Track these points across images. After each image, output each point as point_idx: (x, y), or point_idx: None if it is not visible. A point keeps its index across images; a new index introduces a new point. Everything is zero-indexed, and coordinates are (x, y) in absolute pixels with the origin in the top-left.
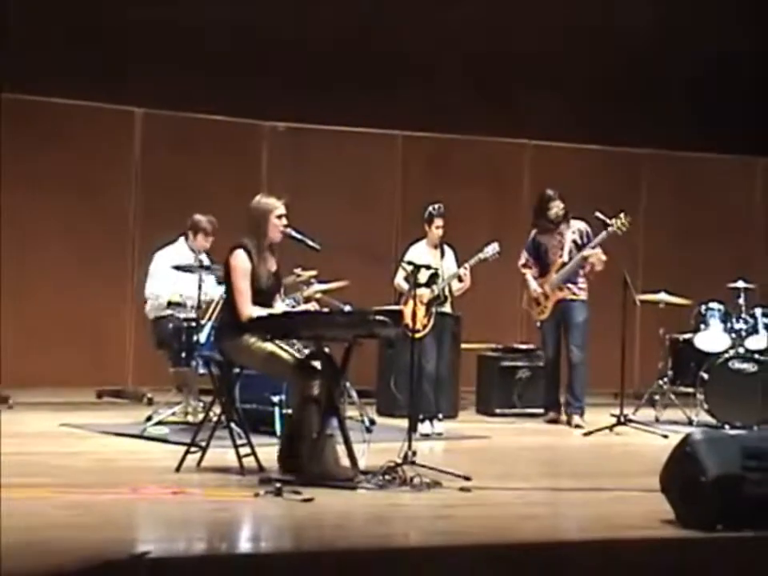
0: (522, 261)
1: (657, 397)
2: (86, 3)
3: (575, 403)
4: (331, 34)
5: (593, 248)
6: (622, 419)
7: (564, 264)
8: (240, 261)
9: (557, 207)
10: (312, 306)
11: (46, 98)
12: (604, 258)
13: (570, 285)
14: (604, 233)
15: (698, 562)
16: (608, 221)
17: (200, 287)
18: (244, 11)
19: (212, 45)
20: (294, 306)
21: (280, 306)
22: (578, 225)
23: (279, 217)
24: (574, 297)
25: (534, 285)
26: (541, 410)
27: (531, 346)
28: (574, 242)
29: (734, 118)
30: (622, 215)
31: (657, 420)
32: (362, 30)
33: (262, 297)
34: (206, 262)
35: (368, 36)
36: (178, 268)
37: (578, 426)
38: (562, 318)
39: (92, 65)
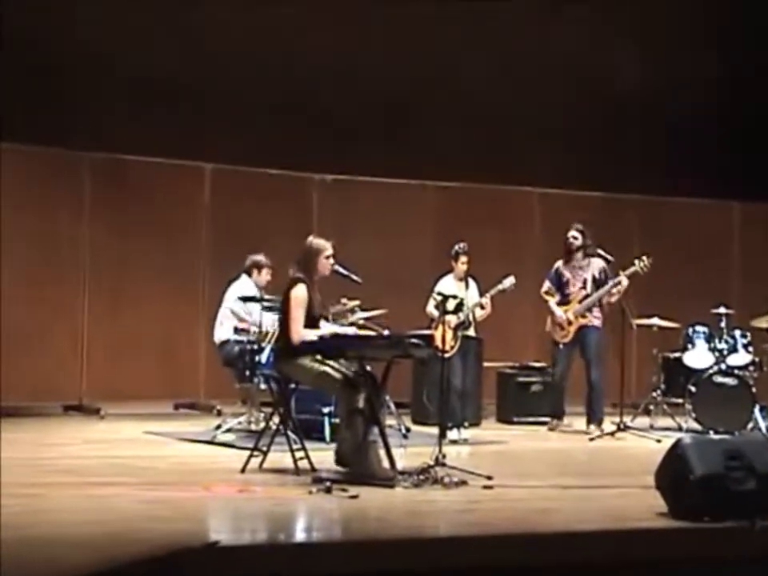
0: (545, 288)
1: (651, 407)
2: (164, 72)
3: (595, 415)
4: (370, 97)
5: (628, 278)
6: (622, 426)
7: (587, 296)
8: (301, 292)
9: (571, 236)
10: (352, 330)
11: (131, 156)
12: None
13: (587, 313)
14: (633, 267)
15: (687, 549)
16: (609, 257)
17: (261, 316)
18: (296, 82)
19: (267, 109)
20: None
21: (327, 327)
22: (598, 263)
23: (328, 257)
24: (590, 323)
25: (559, 312)
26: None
27: (543, 364)
28: (594, 276)
29: (713, 165)
30: (644, 257)
31: (651, 427)
32: (390, 96)
33: (313, 321)
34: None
35: (405, 100)
36: (243, 299)
37: (589, 434)
38: (580, 341)
39: (168, 126)
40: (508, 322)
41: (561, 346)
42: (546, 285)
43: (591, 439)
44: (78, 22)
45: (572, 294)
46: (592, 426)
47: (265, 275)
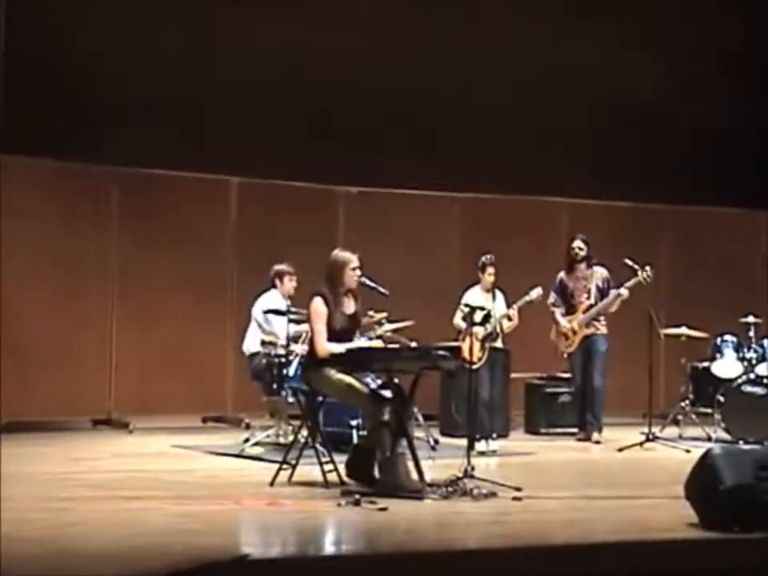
0: (551, 300)
1: (680, 417)
2: (188, 87)
3: (595, 422)
4: (395, 109)
5: (629, 289)
6: (650, 437)
7: (591, 306)
8: (317, 306)
9: (577, 246)
10: (379, 343)
11: (158, 171)
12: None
13: (594, 322)
14: (635, 279)
15: (717, 559)
16: (636, 267)
17: (288, 328)
18: (321, 95)
19: (293, 122)
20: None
21: (357, 342)
22: (601, 272)
23: (354, 269)
24: (597, 332)
25: (563, 321)
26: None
27: (570, 375)
28: (597, 286)
29: (742, 175)
30: (647, 268)
31: (680, 437)
32: (416, 107)
33: (338, 336)
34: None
35: (430, 111)
36: (269, 312)
37: (597, 442)
38: (587, 349)
39: (194, 140)
40: (535, 333)
41: (565, 356)
42: (552, 296)
43: (620, 450)
44: (103, 38)
45: (576, 305)
46: (595, 434)
47: (288, 283)
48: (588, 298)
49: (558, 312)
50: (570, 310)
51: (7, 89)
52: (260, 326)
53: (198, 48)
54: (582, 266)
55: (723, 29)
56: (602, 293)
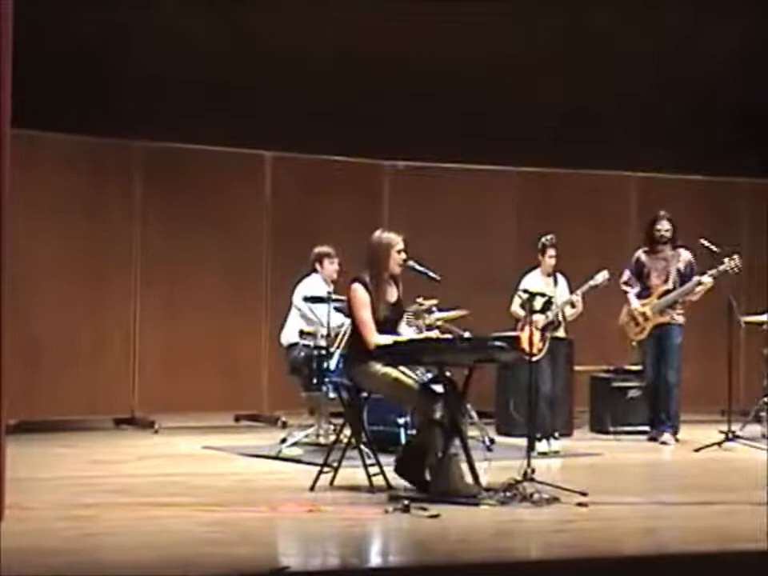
0: (625, 278)
1: (763, 413)
2: (214, 59)
3: (668, 422)
4: (447, 78)
5: (713, 278)
6: (730, 435)
7: (668, 291)
8: (358, 293)
9: (663, 228)
10: (434, 334)
11: (184, 145)
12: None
13: (669, 310)
14: (722, 267)
15: None
16: (714, 248)
17: (329, 317)
18: (367, 54)
19: (334, 89)
20: (418, 334)
21: (406, 333)
22: (685, 255)
23: (399, 251)
24: (673, 321)
25: (636, 303)
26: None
27: (641, 368)
28: (678, 269)
29: None
30: (736, 257)
31: (763, 436)
32: (468, 75)
33: (381, 326)
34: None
35: (484, 77)
36: (308, 299)
37: (664, 443)
38: (659, 341)
39: (223, 112)
40: (601, 321)
41: (634, 344)
42: (626, 275)
43: (696, 450)
44: (129, 9)
45: (652, 288)
46: (667, 435)
47: (328, 266)
48: (666, 282)
49: (632, 292)
50: (645, 294)
51: (28, 62)
52: (303, 315)
53: (228, 18)
54: (666, 247)
55: None
56: (683, 278)
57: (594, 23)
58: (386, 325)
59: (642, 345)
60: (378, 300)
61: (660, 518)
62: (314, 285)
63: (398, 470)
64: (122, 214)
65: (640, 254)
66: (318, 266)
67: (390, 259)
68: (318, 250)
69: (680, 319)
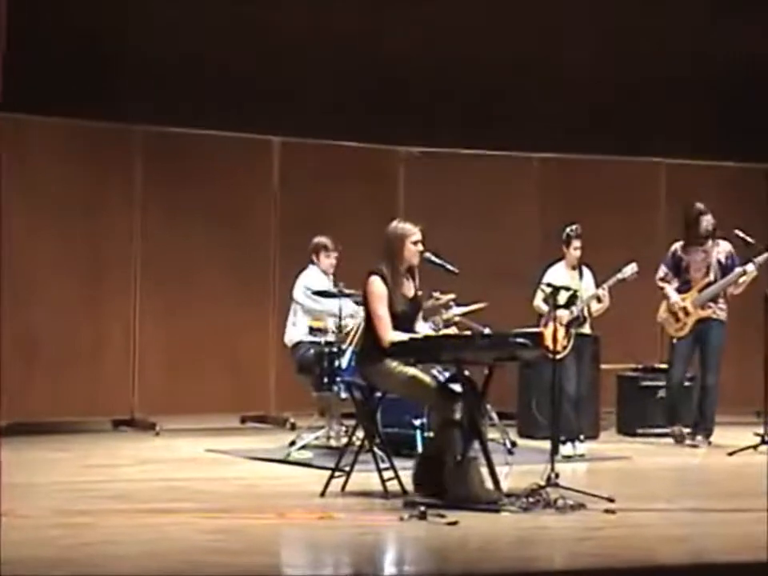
0: (661, 274)
1: None
2: (216, 38)
3: (703, 424)
4: (461, 61)
5: (758, 267)
6: (766, 438)
7: (710, 283)
8: (376, 287)
9: (707, 222)
10: (452, 330)
11: (188, 129)
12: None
13: (711, 304)
14: (765, 255)
15: None
16: (749, 239)
17: (341, 313)
18: (373, 40)
19: (345, 73)
20: (435, 330)
21: (422, 329)
22: (724, 246)
23: (415, 243)
24: (715, 317)
25: (675, 297)
26: (687, 429)
27: (668, 363)
28: (719, 261)
29: None
30: None
31: None
32: (489, 57)
33: (398, 321)
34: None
35: (505, 61)
36: (320, 294)
37: (693, 447)
38: (699, 337)
39: (227, 94)
40: (629, 317)
41: (675, 342)
42: (662, 270)
43: (730, 454)
44: None
45: (693, 282)
46: (699, 438)
47: (324, 259)
48: (707, 274)
49: (670, 287)
50: (684, 288)
51: (22, 43)
52: (307, 309)
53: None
54: (706, 239)
55: None
56: (724, 270)
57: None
58: (404, 320)
59: (680, 341)
60: (395, 294)
61: (692, 525)
62: (314, 278)
63: (415, 482)
64: (122, 204)
65: (677, 247)
66: (314, 258)
67: (407, 251)
68: (316, 240)
69: (722, 314)
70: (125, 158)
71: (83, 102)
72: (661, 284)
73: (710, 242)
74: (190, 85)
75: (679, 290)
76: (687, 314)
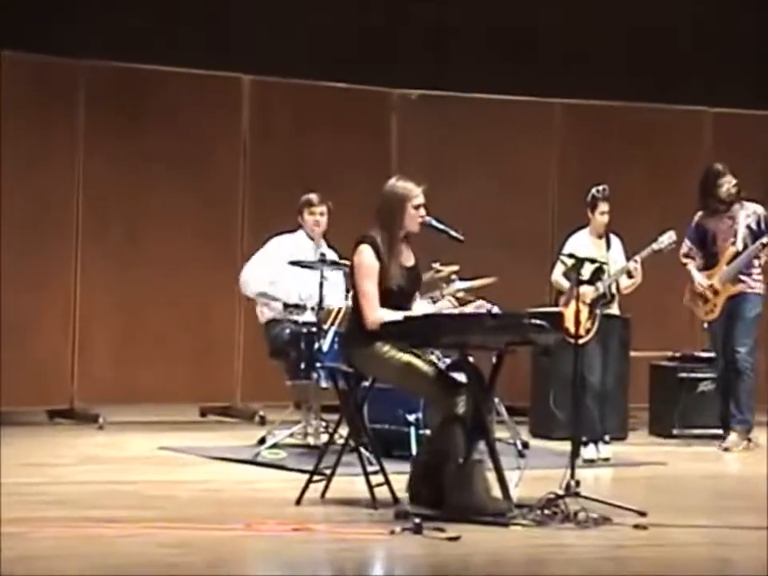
0: (684, 250)
1: None
2: None
3: (737, 416)
4: None
5: None
6: None
7: (738, 253)
8: (365, 258)
9: (728, 184)
10: (454, 307)
11: (143, 65)
12: None
13: (743, 277)
14: None
15: None
16: None
17: (322, 286)
18: None
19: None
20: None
21: (419, 307)
22: (753, 207)
23: (417, 207)
24: (749, 290)
25: (699, 278)
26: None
27: (714, 354)
28: (749, 227)
29: None
30: None
31: None
32: None
33: (395, 298)
34: (331, 255)
35: None
36: (296, 264)
37: (726, 449)
38: (730, 313)
39: (190, 24)
40: (665, 296)
41: (706, 327)
42: (686, 245)
43: None
44: None
45: (720, 254)
46: (733, 437)
47: (307, 218)
48: (734, 243)
49: (693, 265)
50: (712, 262)
51: None
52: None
53: None
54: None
55: None
56: (756, 235)
57: None
58: (400, 296)
59: (713, 325)
60: (391, 265)
61: (734, 544)
62: (301, 246)
63: (409, 489)
64: (62, 150)
65: (699, 216)
66: (300, 219)
67: (406, 215)
68: (304, 197)
69: (758, 287)
70: (69, 96)
71: (24, 34)
72: (684, 260)
73: (735, 207)
74: (145, 13)
75: (706, 266)
76: (716, 292)
